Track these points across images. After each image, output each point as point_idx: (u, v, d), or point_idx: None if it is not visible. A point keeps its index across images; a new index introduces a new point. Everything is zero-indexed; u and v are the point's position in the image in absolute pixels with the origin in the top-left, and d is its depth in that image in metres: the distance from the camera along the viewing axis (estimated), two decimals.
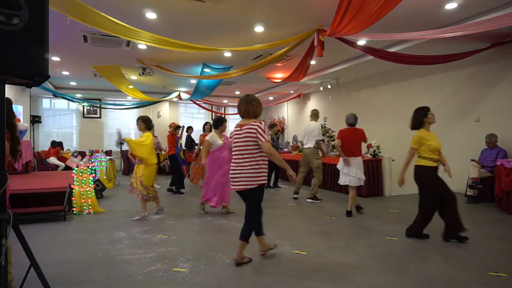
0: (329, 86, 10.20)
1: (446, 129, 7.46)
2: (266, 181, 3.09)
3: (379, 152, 7.04)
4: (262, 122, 3.03)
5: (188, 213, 5.47)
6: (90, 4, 4.09)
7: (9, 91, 8.37)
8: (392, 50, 6.54)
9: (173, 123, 7.58)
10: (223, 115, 15.49)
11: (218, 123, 5.32)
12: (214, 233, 4.28)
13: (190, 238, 4.05)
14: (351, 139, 5.14)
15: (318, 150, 6.52)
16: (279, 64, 8.33)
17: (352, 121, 5.27)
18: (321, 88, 11.00)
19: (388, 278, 2.85)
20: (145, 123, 5.13)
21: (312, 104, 12.55)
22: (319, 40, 5.52)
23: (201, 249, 3.61)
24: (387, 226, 4.59)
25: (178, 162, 7.33)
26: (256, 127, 2.97)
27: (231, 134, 3.20)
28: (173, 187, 7.44)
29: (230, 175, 3.13)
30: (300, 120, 13.05)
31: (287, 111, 14.21)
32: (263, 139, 2.94)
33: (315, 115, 6.64)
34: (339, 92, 10.79)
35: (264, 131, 2.97)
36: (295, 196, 6.68)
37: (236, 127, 3.15)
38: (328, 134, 8.50)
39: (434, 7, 4.95)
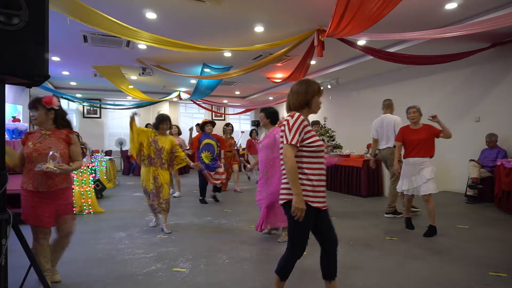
0: (329, 86, 10.19)
1: None
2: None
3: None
4: (295, 115, 2.09)
5: (188, 213, 5.47)
6: (90, 4, 4.09)
7: (9, 91, 8.37)
8: (392, 50, 6.53)
9: (203, 120, 6.59)
10: (223, 115, 15.50)
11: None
12: (214, 233, 4.27)
13: (190, 238, 4.05)
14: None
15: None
16: (279, 64, 8.33)
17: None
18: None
19: (388, 278, 2.85)
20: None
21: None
22: (319, 40, 5.52)
23: (201, 249, 3.61)
24: (387, 226, 4.59)
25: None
26: (284, 123, 2.11)
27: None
28: (215, 194, 6.48)
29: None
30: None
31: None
32: (285, 141, 2.06)
33: (389, 106, 5.31)
34: (339, 92, 10.79)
35: (291, 129, 2.03)
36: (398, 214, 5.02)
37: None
38: (328, 134, 8.51)
39: (434, 7, 4.95)
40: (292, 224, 2.09)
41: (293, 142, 2.01)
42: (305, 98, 2.15)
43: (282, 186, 2.13)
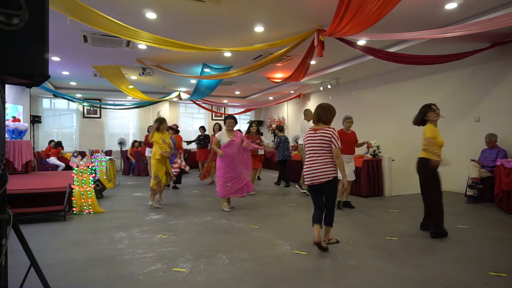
0: (329, 86, 10.20)
1: (446, 129, 7.44)
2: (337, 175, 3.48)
3: (379, 152, 7.03)
4: (334, 128, 3.50)
5: (188, 213, 5.47)
6: (90, 4, 4.09)
7: (9, 91, 8.37)
8: (392, 50, 6.53)
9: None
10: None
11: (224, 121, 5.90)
12: (214, 233, 4.27)
13: (190, 238, 4.05)
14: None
15: None
16: (279, 64, 8.33)
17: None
18: (321, 88, 11.00)
19: (388, 278, 2.85)
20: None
21: (312, 104, 12.55)
22: (319, 40, 5.52)
23: (201, 249, 3.61)
24: (387, 226, 4.59)
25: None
26: (331, 132, 3.46)
27: (304, 137, 3.66)
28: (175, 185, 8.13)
29: (306, 172, 3.53)
30: (300, 120, 13.04)
31: (287, 111, 14.21)
32: (336, 145, 3.41)
33: (306, 115, 7.23)
34: (339, 92, 10.79)
35: (338, 138, 3.43)
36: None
37: (310, 130, 3.62)
38: None
39: (434, 7, 4.96)
40: (336, 190, 3.53)
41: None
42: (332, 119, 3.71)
43: (329, 169, 3.43)
